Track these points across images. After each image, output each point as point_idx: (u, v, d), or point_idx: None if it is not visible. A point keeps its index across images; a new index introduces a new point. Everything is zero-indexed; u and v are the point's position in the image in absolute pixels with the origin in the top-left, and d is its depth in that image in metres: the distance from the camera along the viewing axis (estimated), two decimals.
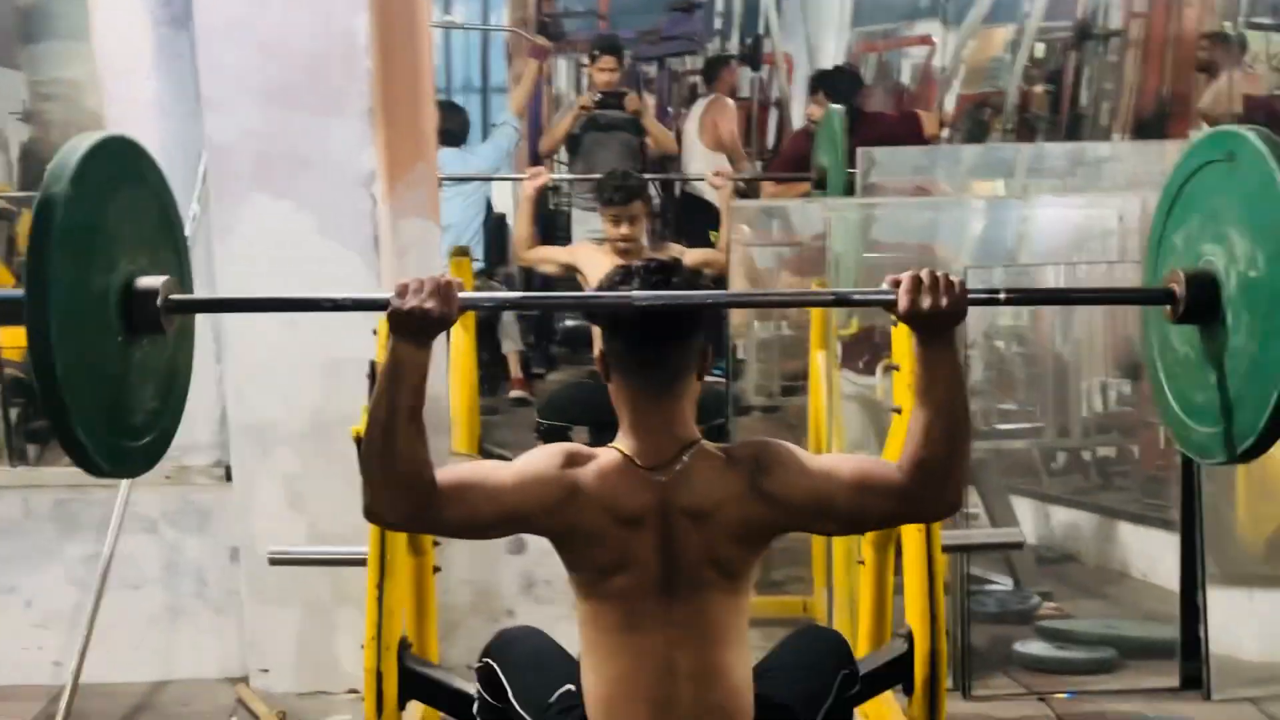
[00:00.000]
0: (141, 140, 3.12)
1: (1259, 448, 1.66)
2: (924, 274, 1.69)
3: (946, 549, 2.45)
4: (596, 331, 4.16)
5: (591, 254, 4.12)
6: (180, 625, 3.25)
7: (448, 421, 3.30)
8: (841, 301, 1.91)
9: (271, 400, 3.01)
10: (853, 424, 3.48)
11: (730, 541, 1.76)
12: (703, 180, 4.28)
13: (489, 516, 1.74)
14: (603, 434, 4.46)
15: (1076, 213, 3.93)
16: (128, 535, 3.06)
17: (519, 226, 4.19)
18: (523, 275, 6.06)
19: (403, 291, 1.67)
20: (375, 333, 2.56)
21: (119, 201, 1.72)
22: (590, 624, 1.81)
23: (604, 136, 5.88)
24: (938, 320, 1.69)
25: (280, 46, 2.87)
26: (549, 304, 1.96)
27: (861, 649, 2.67)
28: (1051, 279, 3.68)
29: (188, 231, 3.03)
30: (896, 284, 1.71)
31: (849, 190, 4.07)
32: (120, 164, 1.75)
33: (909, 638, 2.41)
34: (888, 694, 2.60)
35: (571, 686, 1.92)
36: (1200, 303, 1.75)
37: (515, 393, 5.49)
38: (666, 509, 1.75)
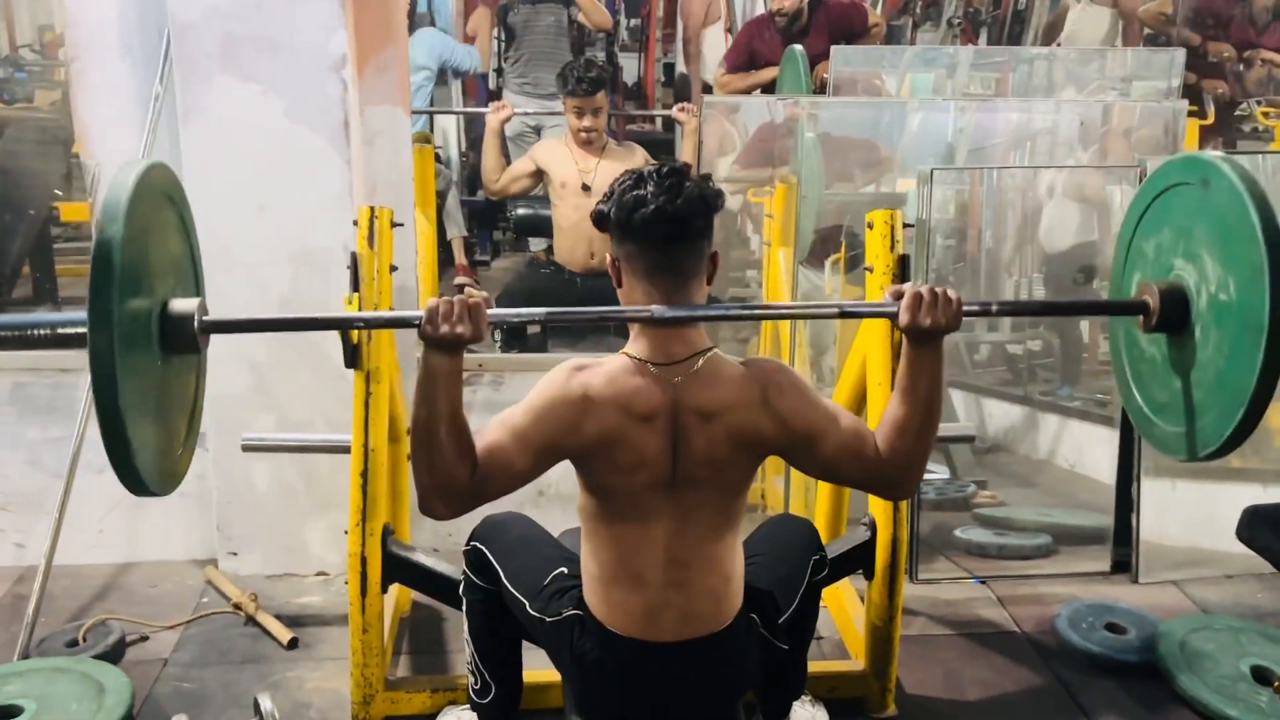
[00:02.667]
0: (99, 15, 3.05)
1: (1220, 453, 1.85)
2: (924, 291, 1.79)
3: None
4: (556, 225, 4.21)
5: (551, 150, 4.10)
6: (146, 509, 3.25)
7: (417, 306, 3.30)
8: (846, 314, 2.06)
9: (240, 288, 2.98)
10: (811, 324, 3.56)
11: (730, 444, 1.83)
12: (668, 114, 4.27)
13: (525, 465, 1.79)
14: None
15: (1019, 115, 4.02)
16: (91, 419, 3.03)
17: (486, 159, 4.15)
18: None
19: (433, 316, 1.71)
20: (355, 224, 2.57)
21: (156, 229, 1.78)
22: (593, 515, 1.89)
23: (535, 11, 5.82)
24: (934, 333, 1.80)
25: None
26: (578, 319, 2.01)
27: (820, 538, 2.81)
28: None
29: (150, 114, 2.98)
30: (898, 296, 1.81)
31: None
32: (157, 191, 1.80)
33: (872, 526, 2.54)
34: (846, 579, 2.75)
35: (564, 569, 2.00)
36: (1171, 315, 1.91)
37: (460, 279, 5.49)
38: (678, 408, 1.81)
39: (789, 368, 1.94)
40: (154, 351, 1.77)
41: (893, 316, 1.82)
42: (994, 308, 2.00)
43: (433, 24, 5.93)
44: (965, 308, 1.82)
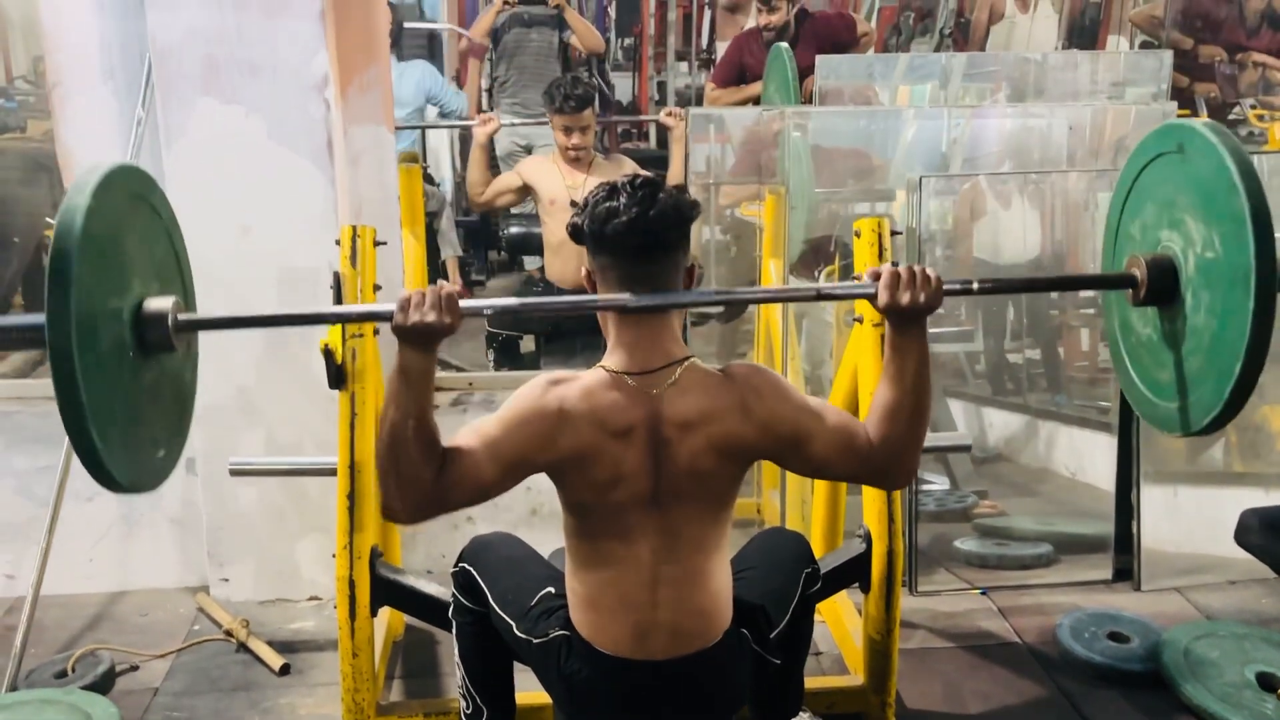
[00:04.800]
0: (80, 40, 3.04)
1: (1222, 419, 1.79)
2: (902, 270, 1.76)
3: None
4: (546, 243, 4.20)
5: (539, 167, 4.09)
6: (137, 536, 3.23)
7: None
8: (823, 297, 2.04)
9: (225, 309, 2.95)
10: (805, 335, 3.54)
11: (714, 454, 1.80)
12: (656, 120, 4.26)
13: (493, 476, 1.75)
14: (552, 343, 4.50)
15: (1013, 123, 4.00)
16: None
17: (472, 172, 4.14)
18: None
19: (405, 305, 1.69)
20: (337, 243, 2.55)
21: (128, 230, 1.77)
22: (577, 534, 1.86)
23: (527, 32, 5.82)
24: (914, 312, 1.76)
25: None
26: (553, 309, 2.00)
27: (815, 551, 2.77)
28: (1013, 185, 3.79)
29: (132, 138, 2.97)
30: (876, 277, 1.77)
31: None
32: (127, 192, 1.80)
33: (867, 538, 2.51)
34: (843, 592, 2.72)
35: (552, 589, 1.97)
36: (1160, 286, 1.88)
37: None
38: (657, 421, 1.78)
39: (765, 369, 1.90)
40: (127, 350, 1.75)
41: (871, 297, 1.79)
42: (975, 286, 1.95)
43: (422, 14, 5.93)
44: (945, 286, 1.78)
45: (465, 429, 1.78)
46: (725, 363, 1.88)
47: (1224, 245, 1.74)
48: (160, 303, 1.80)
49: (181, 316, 1.83)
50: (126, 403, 1.74)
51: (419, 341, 1.70)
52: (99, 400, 1.63)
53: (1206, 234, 1.78)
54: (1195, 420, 1.85)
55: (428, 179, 5.50)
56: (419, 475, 1.70)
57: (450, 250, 5.80)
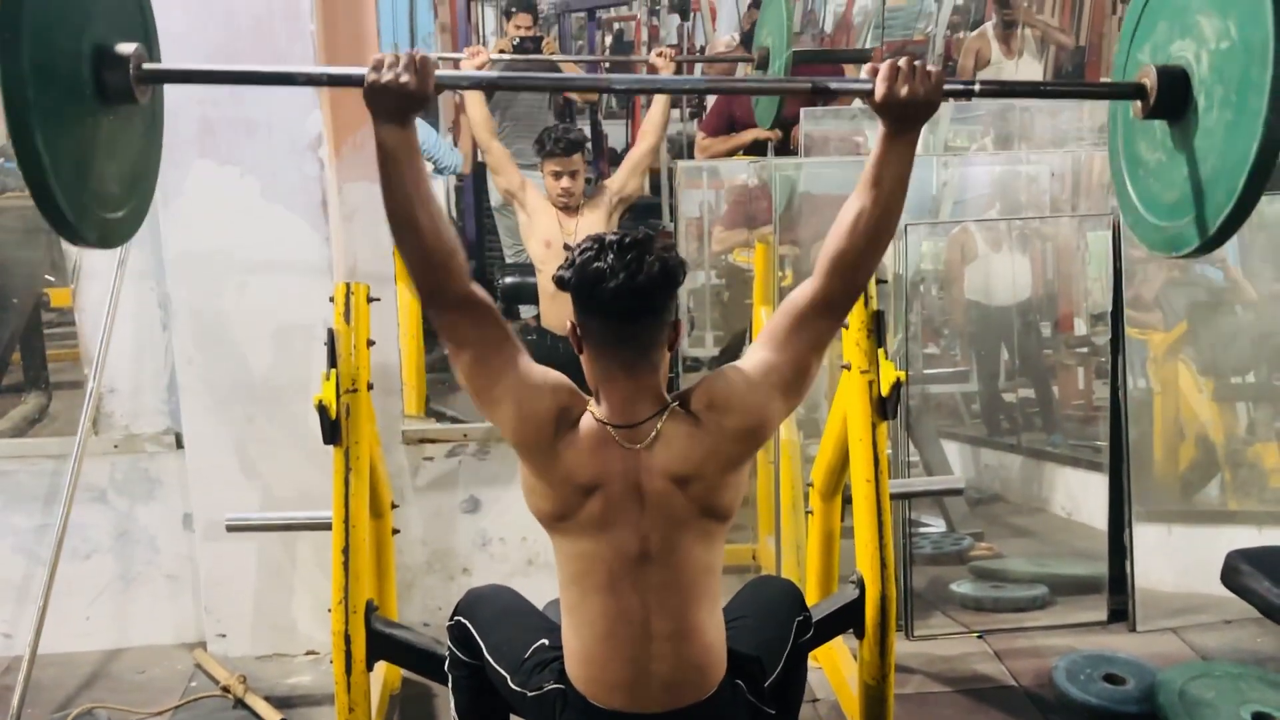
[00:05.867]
0: None
1: (1238, 214, 1.65)
2: (902, 62, 1.71)
3: (891, 497, 2.54)
4: (542, 290, 4.21)
5: (539, 200, 4.09)
6: (133, 593, 3.24)
7: (399, 384, 3.31)
8: (819, 90, 1.95)
9: (221, 366, 3.00)
10: None
11: (724, 489, 1.81)
12: (646, 61, 4.17)
13: (498, 337, 1.80)
14: None
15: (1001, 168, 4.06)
16: (76, 505, 3.03)
17: (473, 109, 4.09)
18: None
19: (378, 65, 1.67)
20: (331, 300, 2.58)
21: None
22: (569, 587, 1.86)
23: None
24: (911, 109, 1.71)
25: (222, 8, 2.81)
26: (529, 85, 1.88)
27: (811, 597, 2.78)
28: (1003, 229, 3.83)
29: None
30: (875, 72, 1.72)
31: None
32: None
33: (860, 584, 2.52)
34: (839, 638, 2.72)
35: (545, 641, 1.97)
36: (1171, 95, 1.76)
37: None
38: (646, 475, 1.79)
39: (716, 376, 1.87)
40: (87, 91, 1.64)
41: (869, 93, 1.73)
42: (976, 88, 1.87)
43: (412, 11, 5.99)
44: (946, 86, 1.72)
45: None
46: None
47: (1240, 27, 1.63)
48: (123, 47, 1.68)
49: (145, 65, 1.71)
50: (86, 152, 1.65)
51: (394, 110, 1.69)
52: (55, 138, 1.54)
53: (1222, 24, 1.67)
54: (1205, 228, 1.72)
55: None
56: (445, 252, 1.75)
57: None
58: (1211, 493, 3.59)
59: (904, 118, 1.73)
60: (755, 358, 1.85)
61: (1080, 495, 3.72)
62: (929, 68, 1.71)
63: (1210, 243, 1.72)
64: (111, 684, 3.07)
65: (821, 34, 8.43)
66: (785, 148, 4.59)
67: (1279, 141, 1.56)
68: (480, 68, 3.95)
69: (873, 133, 4.67)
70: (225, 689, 2.94)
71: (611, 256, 1.75)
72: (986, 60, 5.71)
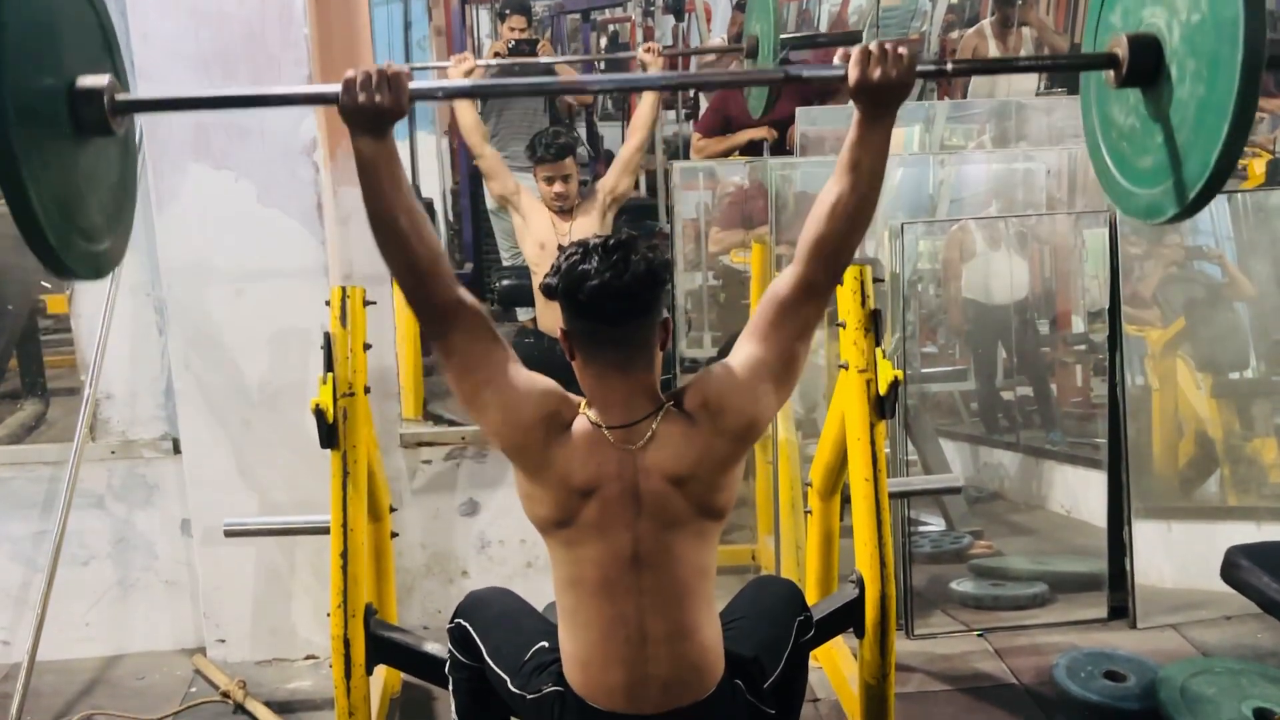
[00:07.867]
0: None
1: (1214, 182, 1.65)
2: (873, 46, 1.71)
3: (890, 496, 2.54)
4: (537, 293, 4.21)
5: (534, 204, 4.09)
6: (132, 599, 3.23)
7: (397, 387, 3.30)
8: (791, 79, 1.94)
9: (218, 371, 2.99)
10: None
11: (720, 488, 1.81)
12: (633, 57, 4.17)
13: (488, 341, 1.80)
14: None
15: (998, 166, 4.05)
16: (74, 511, 3.02)
17: (463, 115, 4.09)
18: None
19: (350, 85, 1.65)
20: (327, 304, 2.58)
21: (58, 7, 1.66)
22: (565, 590, 1.86)
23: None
24: (885, 92, 1.71)
25: (214, 13, 2.80)
26: (505, 90, 1.86)
27: (811, 596, 2.78)
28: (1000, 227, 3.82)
29: None
30: (847, 58, 1.72)
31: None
32: None
33: (860, 583, 2.51)
34: (839, 638, 2.72)
35: (545, 643, 1.97)
36: (1143, 63, 1.76)
37: None
38: (643, 476, 1.78)
39: (708, 375, 1.86)
40: (64, 126, 1.63)
41: (842, 79, 1.73)
42: (949, 67, 1.85)
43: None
44: (919, 68, 1.72)
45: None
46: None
47: (1210, 2, 1.62)
48: (95, 80, 1.66)
49: (119, 97, 1.69)
50: (68, 185, 1.64)
51: (369, 126, 1.67)
52: (39, 176, 1.53)
53: None
54: (1182, 195, 1.72)
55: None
56: (430, 257, 1.75)
57: None
58: (1210, 488, 3.58)
59: (879, 101, 1.72)
60: (743, 353, 1.85)
61: (1079, 492, 3.71)
62: (900, 50, 1.70)
63: (1190, 208, 1.71)
64: (111, 690, 3.06)
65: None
66: (781, 147, 4.59)
67: (1250, 120, 1.56)
68: (468, 74, 3.96)
69: None
70: (225, 694, 2.94)
71: (596, 259, 1.75)
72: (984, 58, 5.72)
